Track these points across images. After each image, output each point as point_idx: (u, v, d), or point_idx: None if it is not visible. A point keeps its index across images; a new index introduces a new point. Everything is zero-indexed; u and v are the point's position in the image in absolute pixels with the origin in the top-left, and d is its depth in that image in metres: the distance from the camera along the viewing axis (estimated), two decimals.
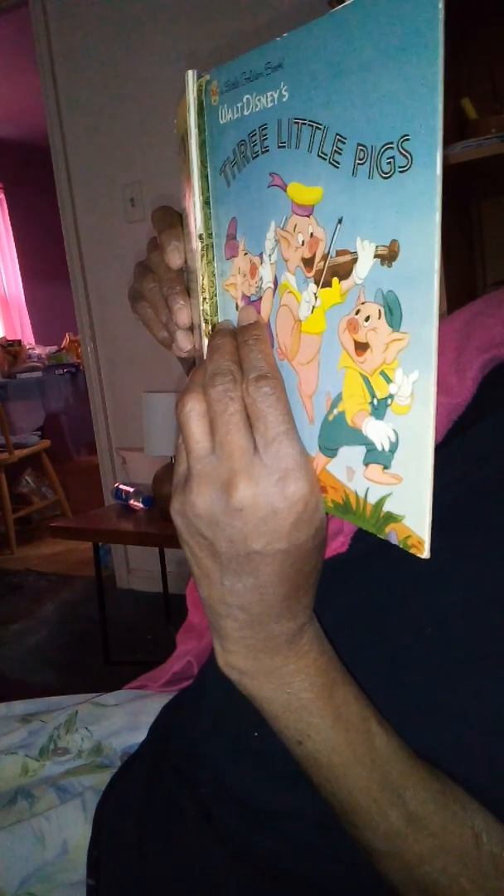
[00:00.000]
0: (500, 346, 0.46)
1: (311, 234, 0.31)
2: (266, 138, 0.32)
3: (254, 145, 0.33)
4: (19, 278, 5.47)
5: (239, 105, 0.33)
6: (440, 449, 0.26)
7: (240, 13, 2.05)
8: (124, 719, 0.64)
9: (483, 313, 0.49)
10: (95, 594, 2.08)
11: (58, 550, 3.22)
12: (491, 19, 1.57)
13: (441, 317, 0.25)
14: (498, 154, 1.44)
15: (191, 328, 0.40)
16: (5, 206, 5.34)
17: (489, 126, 1.50)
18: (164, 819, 0.51)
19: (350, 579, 0.43)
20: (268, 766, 0.45)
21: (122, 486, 2.09)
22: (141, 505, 1.99)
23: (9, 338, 5.04)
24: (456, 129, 1.57)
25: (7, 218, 5.37)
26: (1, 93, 4.19)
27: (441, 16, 0.22)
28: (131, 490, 2.04)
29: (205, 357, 0.36)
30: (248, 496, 0.31)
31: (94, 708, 0.66)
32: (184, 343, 0.40)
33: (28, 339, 5.35)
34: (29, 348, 4.96)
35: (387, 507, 0.29)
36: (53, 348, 4.88)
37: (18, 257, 5.42)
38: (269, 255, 0.34)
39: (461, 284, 1.69)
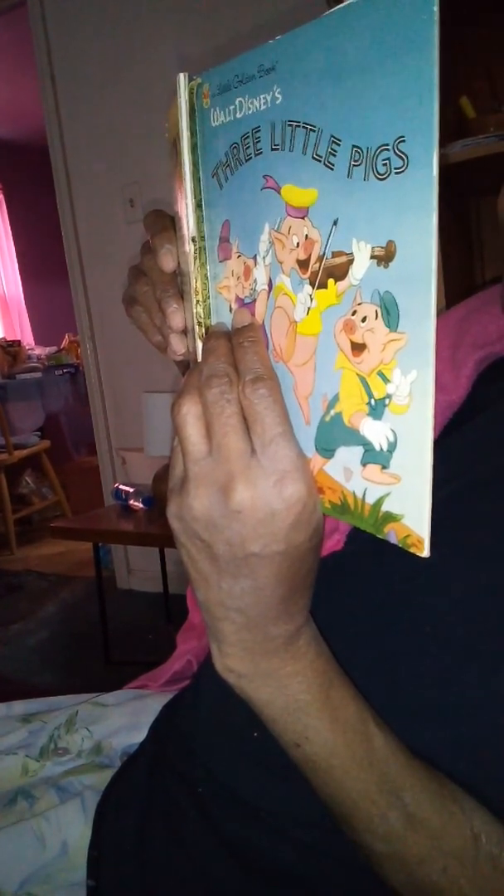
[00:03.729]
0: (495, 343, 0.46)
1: (306, 235, 0.30)
2: (259, 141, 0.32)
3: (247, 148, 0.33)
4: (18, 279, 5.46)
5: (231, 108, 0.33)
6: (435, 446, 0.26)
7: (239, 15, 2.05)
8: (124, 719, 0.64)
9: (478, 310, 0.49)
10: (96, 595, 2.08)
11: (58, 551, 3.22)
12: (489, 18, 1.56)
13: (438, 314, 0.25)
14: (496, 153, 1.44)
15: (185, 331, 0.40)
16: (4, 206, 5.33)
17: (487, 125, 1.50)
18: (164, 819, 0.51)
19: (346, 577, 0.43)
20: (267, 767, 0.45)
21: (122, 487, 2.09)
22: (141, 505, 1.99)
23: (8, 338, 5.02)
24: (454, 127, 1.57)
25: (6, 218, 5.36)
26: (0, 93, 4.19)
27: (436, 17, 0.22)
28: (131, 490, 2.04)
29: (199, 359, 0.36)
30: (246, 498, 0.31)
31: (95, 708, 0.66)
32: (178, 346, 0.40)
33: (27, 339, 5.34)
34: (28, 349, 4.95)
35: (385, 507, 0.29)
36: (53, 349, 4.87)
37: (18, 258, 5.41)
38: (264, 258, 0.34)
39: (459, 282, 1.68)
